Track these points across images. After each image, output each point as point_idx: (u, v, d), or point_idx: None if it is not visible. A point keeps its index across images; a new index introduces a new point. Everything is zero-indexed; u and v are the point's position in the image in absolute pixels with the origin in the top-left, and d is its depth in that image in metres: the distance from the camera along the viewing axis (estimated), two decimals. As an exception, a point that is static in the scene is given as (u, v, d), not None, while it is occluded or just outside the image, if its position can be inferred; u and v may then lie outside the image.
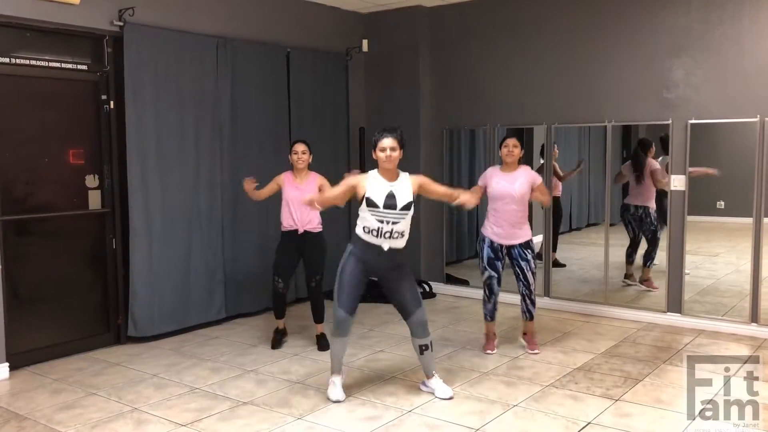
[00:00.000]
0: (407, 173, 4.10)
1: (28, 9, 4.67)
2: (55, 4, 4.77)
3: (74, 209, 5.18)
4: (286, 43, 6.37)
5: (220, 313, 5.89)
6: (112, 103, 5.24)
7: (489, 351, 4.99)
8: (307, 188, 5.07)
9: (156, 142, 5.34)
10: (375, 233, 3.96)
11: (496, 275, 4.94)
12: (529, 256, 4.88)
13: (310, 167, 5.21)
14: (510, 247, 4.88)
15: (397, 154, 3.98)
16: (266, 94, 6.18)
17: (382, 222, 3.94)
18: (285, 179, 5.14)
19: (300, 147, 5.12)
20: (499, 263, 4.93)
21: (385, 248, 3.98)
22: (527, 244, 4.89)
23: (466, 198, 4.19)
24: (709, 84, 5.46)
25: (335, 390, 4.16)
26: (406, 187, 4.01)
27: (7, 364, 4.64)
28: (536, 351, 4.99)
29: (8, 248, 4.73)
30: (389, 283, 4.13)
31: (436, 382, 4.23)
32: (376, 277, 4.17)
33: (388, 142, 3.96)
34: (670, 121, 5.61)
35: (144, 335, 5.34)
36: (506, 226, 4.84)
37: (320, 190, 5.09)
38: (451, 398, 4.14)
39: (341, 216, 6.69)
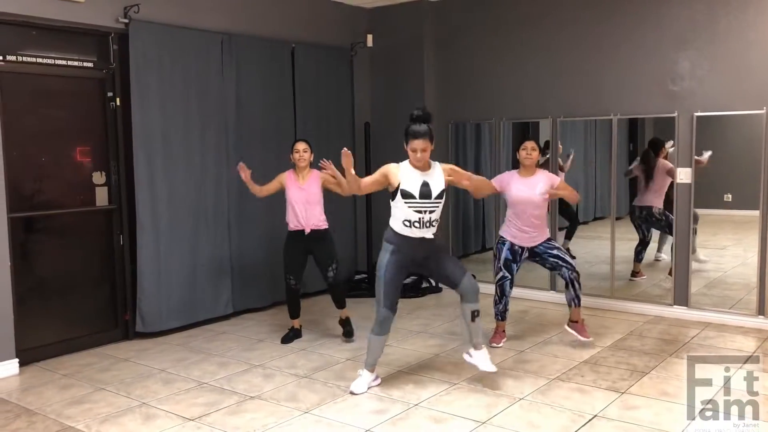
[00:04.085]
0: (437, 162, 4.14)
1: (34, 7, 4.69)
2: (61, 1, 4.78)
3: (81, 206, 5.21)
4: (291, 38, 6.37)
5: (228, 308, 5.91)
6: (118, 100, 5.26)
7: (494, 344, 4.99)
8: (309, 188, 5.08)
9: (162, 138, 5.36)
10: (417, 224, 4.00)
11: (509, 277, 4.94)
12: (556, 245, 4.94)
13: (313, 164, 5.21)
14: (532, 247, 4.89)
15: (428, 153, 4.02)
16: (271, 90, 6.19)
17: (420, 212, 3.99)
18: (288, 180, 5.13)
19: (301, 146, 5.12)
20: (515, 266, 4.93)
21: (428, 237, 4.04)
22: (548, 240, 4.92)
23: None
24: (715, 76, 5.44)
25: (357, 381, 4.20)
26: (438, 175, 4.06)
27: (16, 360, 4.68)
28: (590, 338, 4.96)
29: (16, 245, 4.76)
30: (430, 267, 4.22)
31: (482, 355, 4.24)
32: (415, 269, 4.27)
33: (419, 144, 3.97)
34: (675, 114, 5.59)
35: (152, 331, 5.37)
36: (527, 230, 4.85)
37: (324, 187, 5.10)
38: (494, 372, 4.21)
39: (346, 212, 6.71)
